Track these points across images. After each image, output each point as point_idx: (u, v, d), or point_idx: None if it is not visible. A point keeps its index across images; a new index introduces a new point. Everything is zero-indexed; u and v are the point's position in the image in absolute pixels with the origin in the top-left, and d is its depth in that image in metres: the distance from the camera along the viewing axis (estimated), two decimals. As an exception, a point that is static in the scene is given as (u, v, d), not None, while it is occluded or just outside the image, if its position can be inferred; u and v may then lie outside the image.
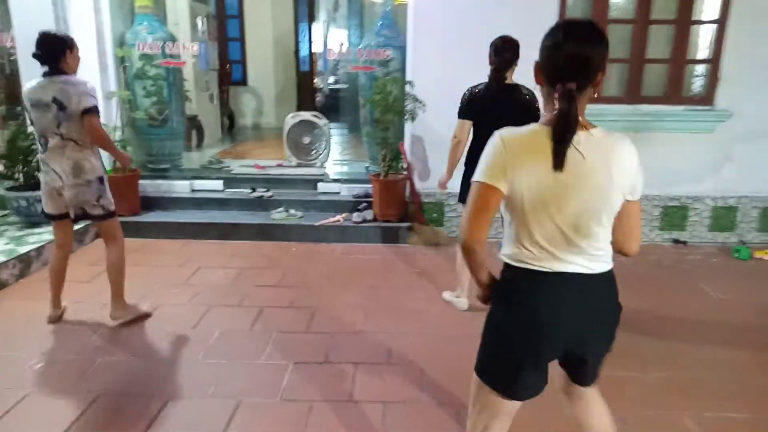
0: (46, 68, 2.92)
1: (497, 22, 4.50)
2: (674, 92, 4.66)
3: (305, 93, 9.81)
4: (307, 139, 5.84)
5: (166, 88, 5.29)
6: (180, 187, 5.27)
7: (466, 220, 1.39)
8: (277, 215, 4.96)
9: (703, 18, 4.60)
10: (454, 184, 3.34)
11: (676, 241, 4.93)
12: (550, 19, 4.48)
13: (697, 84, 4.81)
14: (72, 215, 3.05)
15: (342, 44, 5.72)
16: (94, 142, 2.99)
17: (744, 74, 4.56)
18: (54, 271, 3.21)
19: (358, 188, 5.20)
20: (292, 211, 4.99)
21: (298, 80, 9.60)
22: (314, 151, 5.86)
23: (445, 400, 2.52)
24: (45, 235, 4.34)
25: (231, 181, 5.48)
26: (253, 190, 5.27)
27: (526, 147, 1.32)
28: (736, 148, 4.77)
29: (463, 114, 3.26)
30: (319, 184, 5.36)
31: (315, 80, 8.47)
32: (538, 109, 3.14)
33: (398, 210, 4.85)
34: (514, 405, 1.51)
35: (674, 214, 4.92)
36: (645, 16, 4.49)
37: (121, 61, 5.12)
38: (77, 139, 2.94)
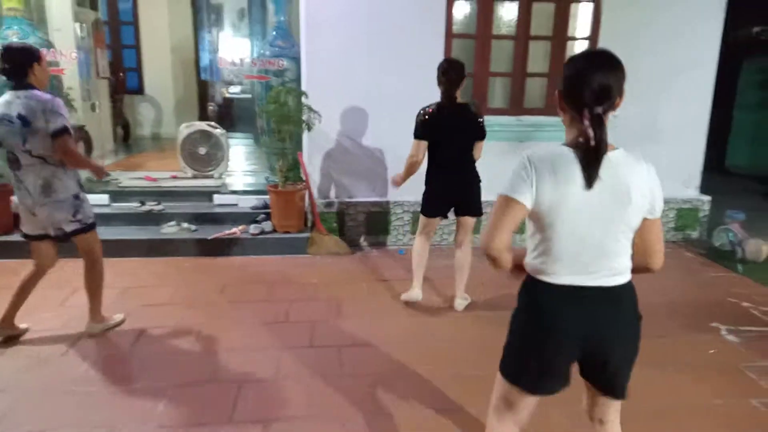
0: (11, 83, 2.80)
1: (389, 35, 4.63)
2: (553, 104, 4.96)
3: (207, 102, 9.50)
4: (203, 150, 5.64)
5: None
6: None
7: (489, 230, 1.49)
8: (169, 229, 4.73)
9: (577, 35, 4.96)
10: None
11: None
12: (439, 29, 4.66)
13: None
14: (53, 235, 2.97)
15: (236, 54, 5.58)
16: (68, 164, 2.89)
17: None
18: (21, 285, 3.10)
19: (256, 200, 5.08)
20: (185, 225, 4.78)
21: (199, 89, 9.27)
22: (211, 162, 5.67)
23: (333, 414, 2.51)
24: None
25: (118, 194, 5.16)
26: (143, 203, 4.99)
27: (552, 166, 1.42)
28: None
29: (419, 134, 3.36)
30: (215, 196, 5.18)
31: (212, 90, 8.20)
32: (484, 128, 3.40)
33: (297, 221, 4.80)
34: (531, 399, 1.62)
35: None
36: (525, 33, 4.77)
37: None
38: (45, 156, 2.83)
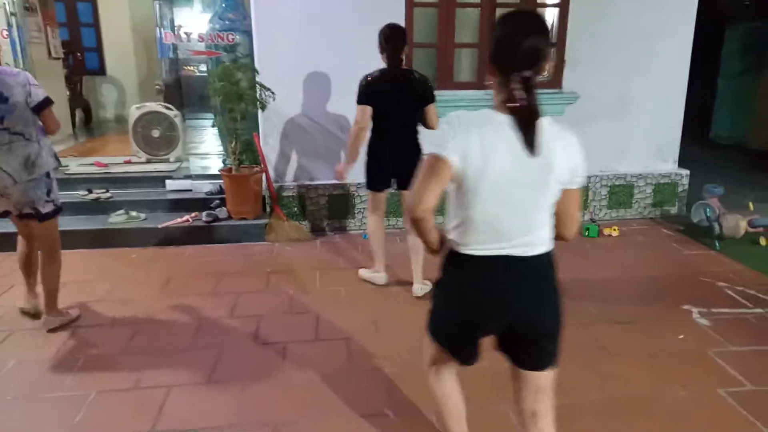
0: None
1: (345, 5, 4.31)
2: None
3: (181, 81, 9.07)
4: (156, 132, 5.32)
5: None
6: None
7: (417, 191, 1.44)
8: (116, 218, 4.45)
9: (546, 2, 4.67)
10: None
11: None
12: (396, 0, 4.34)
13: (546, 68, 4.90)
14: (19, 212, 2.88)
15: (181, 28, 5.23)
16: (51, 132, 2.88)
17: (587, 55, 4.70)
18: (23, 262, 3.11)
19: (211, 185, 4.80)
20: (134, 214, 4.50)
21: (175, 68, 8.84)
22: (166, 145, 5.36)
23: (263, 421, 2.29)
24: None
25: (65, 182, 4.82)
26: (90, 191, 4.70)
27: (480, 127, 1.38)
28: (584, 129, 4.82)
29: (363, 99, 3.21)
30: (168, 182, 4.89)
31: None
32: (432, 89, 3.26)
33: (253, 206, 4.53)
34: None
35: (532, 196, 5.00)
36: (492, 1, 4.46)
37: None
38: (24, 132, 2.74)
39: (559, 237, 1.55)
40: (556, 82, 4.75)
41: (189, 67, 6.20)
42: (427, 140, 1.47)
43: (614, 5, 4.63)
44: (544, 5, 4.70)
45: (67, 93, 7.55)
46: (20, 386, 2.53)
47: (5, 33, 4.50)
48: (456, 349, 1.64)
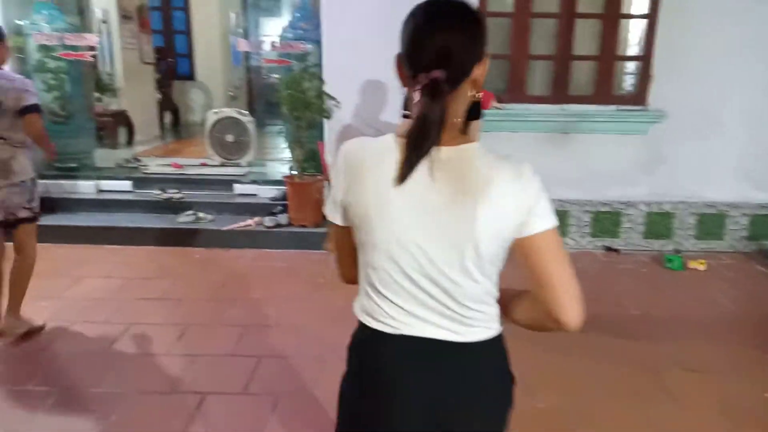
0: None
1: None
2: (603, 91, 4.39)
3: (264, 90, 9.43)
4: (230, 137, 5.50)
5: (69, 81, 4.92)
6: (85, 188, 4.91)
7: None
8: (185, 218, 4.62)
9: (632, 12, 4.33)
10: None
11: (608, 249, 4.67)
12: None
13: (628, 82, 4.55)
14: (3, 218, 2.80)
15: (256, 37, 5.39)
16: (34, 140, 2.83)
17: (676, 72, 4.31)
18: None
19: (276, 190, 4.88)
20: (201, 215, 4.66)
21: (249, 75, 9.23)
22: (239, 150, 5.53)
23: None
24: None
25: (143, 181, 5.13)
26: (163, 191, 4.93)
27: (370, 161, 1.00)
28: (671, 150, 4.52)
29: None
30: (236, 186, 5.03)
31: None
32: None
33: (313, 215, 4.54)
34: None
35: (605, 220, 4.66)
36: (570, 10, 4.20)
37: (17, 52, 4.74)
38: (8, 137, 2.73)
39: (546, 322, 1.01)
40: (639, 98, 4.39)
41: (262, 75, 6.40)
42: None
43: (706, 16, 4.21)
44: (630, 16, 4.36)
45: (158, 96, 8.06)
46: (63, 379, 2.64)
47: (95, 39, 4.82)
48: None
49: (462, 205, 0.95)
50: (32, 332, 2.98)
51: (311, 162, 4.55)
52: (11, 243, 2.93)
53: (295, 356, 2.85)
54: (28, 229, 2.92)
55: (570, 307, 0.97)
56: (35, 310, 3.20)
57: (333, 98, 4.29)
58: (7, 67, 2.81)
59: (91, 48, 4.78)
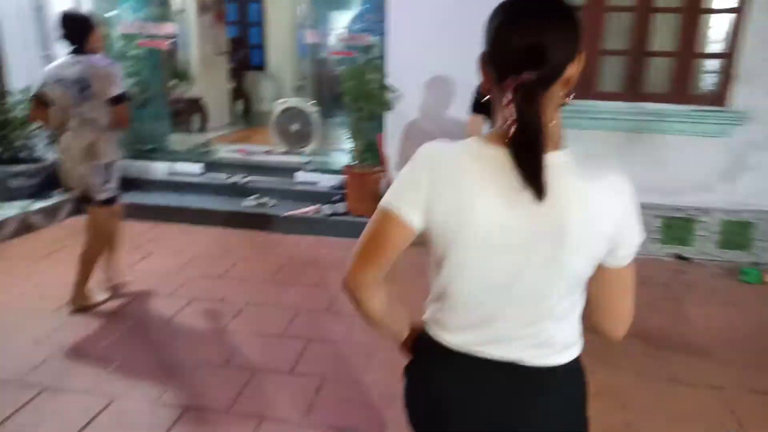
0: (71, 47, 2.90)
1: (480, 11, 4.16)
2: (680, 89, 4.14)
3: (329, 81, 9.58)
4: (294, 127, 5.65)
5: (147, 69, 5.21)
6: (159, 170, 5.20)
7: (353, 255, 1.00)
8: (249, 202, 4.81)
9: (717, 6, 4.05)
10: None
11: (679, 257, 4.42)
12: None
13: (708, 81, 4.27)
14: (78, 195, 3.09)
15: (323, 29, 5.48)
16: (117, 126, 2.99)
17: (764, 70, 3.99)
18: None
19: (336, 179, 4.97)
20: (265, 200, 4.83)
21: (315, 67, 9.39)
22: (302, 139, 5.67)
23: (333, 422, 2.28)
24: (12, 210, 4.37)
25: (212, 165, 5.36)
26: (231, 176, 5.14)
27: (455, 167, 0.92)
28: (754, 156, 4.20)
29: (477, 107, 3.06)
30: (298, 173, 5.16)
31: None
32: None
33: (371, 205, 4.54)
34: None
35: (678, 227, 4.40)
36: (647, 5, 3.98)
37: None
38: (95, 120, 2.92)
39: (599, 331, 1.04)
40: (720, 98, 4.10)
41: (327, 67, 6.53)
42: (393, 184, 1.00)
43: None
44: (715, 11, 4.09)
45: (231, 86, 8.38)
46: (126, 345, 2.82)
47: (171, 29, 5.08)
48: None
49: (558, 220, 0.89)
50: (98, 305, 3.20)
51: (370, 153, 4.59)
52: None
53: (343, 343, 2.90)
54: (103, 211, 3.07)
55: (619, 331, 1.03)
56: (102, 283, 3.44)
57: (394, 90, 4.31)
58: (98, 55, 2.99)
59: (169, 37, 5.04)
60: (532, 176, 0.85)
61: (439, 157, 0.95)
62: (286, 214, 4.63)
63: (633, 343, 2.90)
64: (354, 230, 4.47)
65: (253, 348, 2.82)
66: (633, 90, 4.19)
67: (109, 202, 3.09)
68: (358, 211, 4.58)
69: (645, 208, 4.22)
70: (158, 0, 5.44)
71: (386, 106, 4.38)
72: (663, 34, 4.12)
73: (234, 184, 5.04)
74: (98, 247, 3.12)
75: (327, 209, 4.63)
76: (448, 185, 0.92)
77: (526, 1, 0.93)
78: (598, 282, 0.98)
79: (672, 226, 4.42)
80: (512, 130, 0.86)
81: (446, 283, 0.98)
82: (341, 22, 5.22)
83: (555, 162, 0.88)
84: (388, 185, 1.02)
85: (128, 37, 5.05)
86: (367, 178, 4.51)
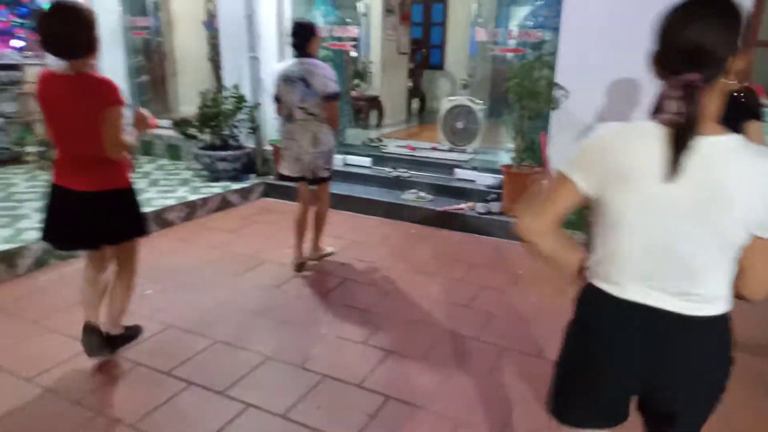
0: (296, 52, 3.45)
1: (657, 11, 3.76)
2: None
3: (498, 79, 9.48)
4: (460, 124, 5.74)
5: (333, 68, 5.73)
6: (334, 161, 5.71)
7: (528, 205, 1.24)
8: (408, 196, 5.04)
9: None
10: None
11: None
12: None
13: None
14: (309, 178, 3.61)
15: (496, 26, 5.41)
16: (329, 121, 3.49)
17: None
18: (296, 223, 3.71)
19: (493, 178, 4.94)
20: (423, 194, 5.01)
21: (485, 64, 9.33)
22: (467, 136, 5.73)
23: (457, 413, 2.35)
24: (216, 188, 5.21)
25: (380, 159, 5.72)
26: (394, 169, 5.43)
27: (626, 143, 1.11)
28: None
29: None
30: (456, 170, 5.25)
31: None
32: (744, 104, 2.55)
33: (527, 206, 4.47)
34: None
35: None
36: None
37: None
38: (316, 114, 3.43)
39: (737, 294, 1.16)
40: None
41: (497, 64, 6.47)
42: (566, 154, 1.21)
43: None
44: None
45: (409, 84, 8.77)
46: (288, 314, 3.20)
47: (355, 31, 5.52)
48: (575, 411, 1.30)
49: (716, 191, 1.03)
50: (325, 256, 3.94)
51: (530, 152, 4.47)
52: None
53: (475, 341, 2.93)
54: (325, 186, 3.72)
55: (761, 294, 1.17)
56: (279, 254, 3.94)
57: (562, 88, 4.13)
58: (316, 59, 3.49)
59: (353, 39, 5.49)
60: (674, 159, 1.03)
61: (613, 134, 1.13)
62: (440, 209, 4.76)
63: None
64: (505, 230, 4.48)
65: (390, 330, 3.00)
66: None
67: (328, 179, 3.68)
68: (512, 212, 4.49)
69: None
70: (346, 4, 5.96)
71: (552, 104, 4.23)
72: None
73: (397, 177, 5.32)
74: (326, 210, 3.80)
75: (480, 207, 4.65)
76: (620, 158, 1.09)
77: (692, 2, 1.06)
78: (747, 251, 1.11)
79: None
80: (675, 119, 1.02)
81: (616, 244, 1.15)
82: (514, 18, 5.15)
83: (717, 143, 1.04)
84: (547, 188, 1.21)
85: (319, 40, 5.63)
86: (525, 179, 4.41)
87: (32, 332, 2.81)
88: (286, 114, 3.50)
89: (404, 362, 2.70)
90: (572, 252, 1.27)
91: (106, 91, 2.18)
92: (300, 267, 3.73)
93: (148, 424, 2.22)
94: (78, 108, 2.17)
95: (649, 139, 1.06)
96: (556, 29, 4.52)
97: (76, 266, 2.52)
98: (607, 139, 1.13)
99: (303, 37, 3.42)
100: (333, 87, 3.38)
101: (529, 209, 1.22)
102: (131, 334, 2.74)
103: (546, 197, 1.21)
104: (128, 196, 2.43)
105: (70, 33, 2.12)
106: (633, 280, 1.15)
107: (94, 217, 2.33)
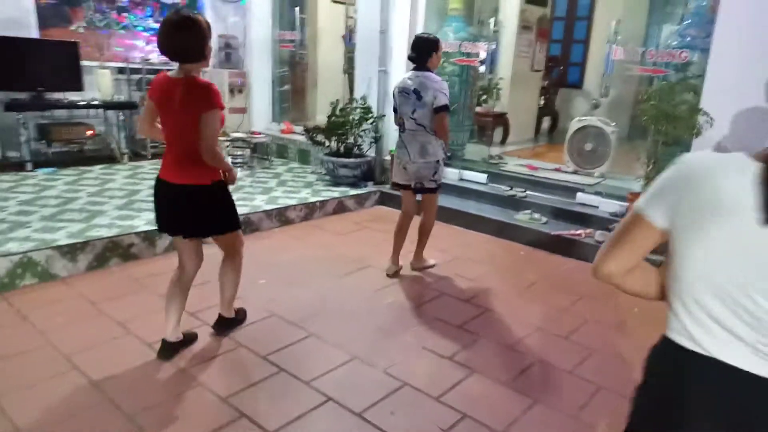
0: (414, 65, 3.56)
1: None
2: None
3: (628, 98, 8.76)
4: (589, 146, 5.44)
5: (458, 83, 5.78)
6: (450, 175, 5.72)
7: (604, 247, 1.13)
8: (521, 216, 4.88)
9: None
10: None
11: None
12: None
13: None
14: (413, 186, 3.71)
15: (635, 45, 5.00)
16: (438, 133, 3.54)
17: None
18: (396, 230, 3.83)
19: (619, 206, 4.60)
20: (536, 215, 4.82)
21: (621, 85, 8.68)
22: (595, 159, 5.41)
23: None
24: (335, 193, 5.50)
25: (497, 176, 5.61)
26: (510, 188, 5.29)
27: (716, 178, 0.96)
28: None
29: None
30: (579, 194, 4.97)
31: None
32: None
33: (652, 239, 4.09)
34: None
35: None
36: None
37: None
38: (425, 125, 3.53)
39: None
40: None
41: (635, 85, 6.01)
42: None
43: None
44: None
45: (540, 102, 8.50)
46: (381, 319, 3.28)
47: (486, 48, 5.50)
48: None
49: None
50: (426, 267, 3.98)
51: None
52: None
53: (568, 374, 2.76)
54: (431, 197, 3.75)
55: None
56: (385, 263, 4.02)
57: (706, 114, 3.75)
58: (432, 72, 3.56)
59: (482, 55, 5.48)
60: (763, 199, 0.90)
61: (697, 166, 0.99)
62: (554, 233, 4.54)
63: None
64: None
65: (478, 350, 2.94)
66: None
67: (434, 191, 3.72)
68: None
69: None
70: (478, 19, 5.97)
71: (694, 131, 3.85)
72: None
73: (512, 196, 5.18)
74: (431, 221, 3.84)
75: (600, 236, 4.35)
76: (702, 193, 0.96)
77: None
78: None
79: None
80: None
81: (692, 292, 1.00)
82: (656, 37, 4.78)
83: None
84: (621, 227, 1.11)
85: (446, 55, 5.70)
86: (652, 210, 4.05)
87: (159, 306, 3.20)
88: (400, 123, 3.63)
89: (488, 384, 2.63)
90: (653, 287, 1.15)
91: (207, 94, 2.38)
92: (394, 274, 3.79)
93: (236, 399, 2.42)
94: (184, 108, 2.40)
95: (747, 174, 0.93)
96: (704, 50, 4.11)
97: (209, 251, 2.79)
98: (695, 168, 0.98)
99: (424, 51, 3.51)
100: (443, 100, 3.42)
101: (607, 249, 1.11)
102: (240, 318, 3.02)
103: (620, 236, 1.10)
104: (216, 192, 2.56)
105: (186, 40, 2.36)
106: (709, 330, 1.00)
107: (185, 210, 2.53)
